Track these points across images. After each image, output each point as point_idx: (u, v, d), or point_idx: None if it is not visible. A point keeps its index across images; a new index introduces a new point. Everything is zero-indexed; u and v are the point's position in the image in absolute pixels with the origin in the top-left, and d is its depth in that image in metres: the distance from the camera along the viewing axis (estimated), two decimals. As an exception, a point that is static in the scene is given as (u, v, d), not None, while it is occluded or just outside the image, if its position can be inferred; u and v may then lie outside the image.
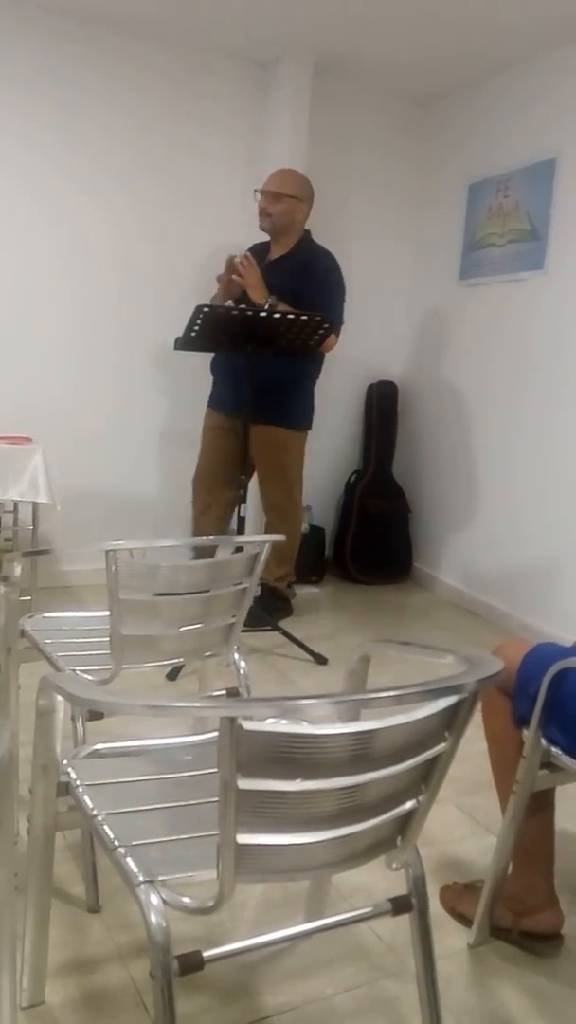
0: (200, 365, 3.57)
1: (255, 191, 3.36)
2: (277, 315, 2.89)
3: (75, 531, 3.76)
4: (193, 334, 2.93)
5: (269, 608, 3.43)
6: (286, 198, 3.31)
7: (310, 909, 1.68)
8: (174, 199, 3.80)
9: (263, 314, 2.90)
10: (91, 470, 3.86)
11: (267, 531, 3.52)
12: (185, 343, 3.01)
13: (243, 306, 3.04)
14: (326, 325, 2.94)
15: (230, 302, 3.18)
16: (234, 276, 3.21)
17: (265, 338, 2.97)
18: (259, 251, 3.38)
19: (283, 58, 3.74)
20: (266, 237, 3.44)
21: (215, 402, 3.52)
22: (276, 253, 3.39)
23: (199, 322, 2.86)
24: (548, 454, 3.51)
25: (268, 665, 3.10)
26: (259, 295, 3.19)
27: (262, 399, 3.15)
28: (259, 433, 3.28)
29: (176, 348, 3.10)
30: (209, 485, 3.51)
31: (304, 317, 2.92)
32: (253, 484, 3.46)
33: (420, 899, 1.26)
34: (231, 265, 3.23)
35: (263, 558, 1.85)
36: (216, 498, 3.51)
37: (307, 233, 3.43)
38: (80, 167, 3.63)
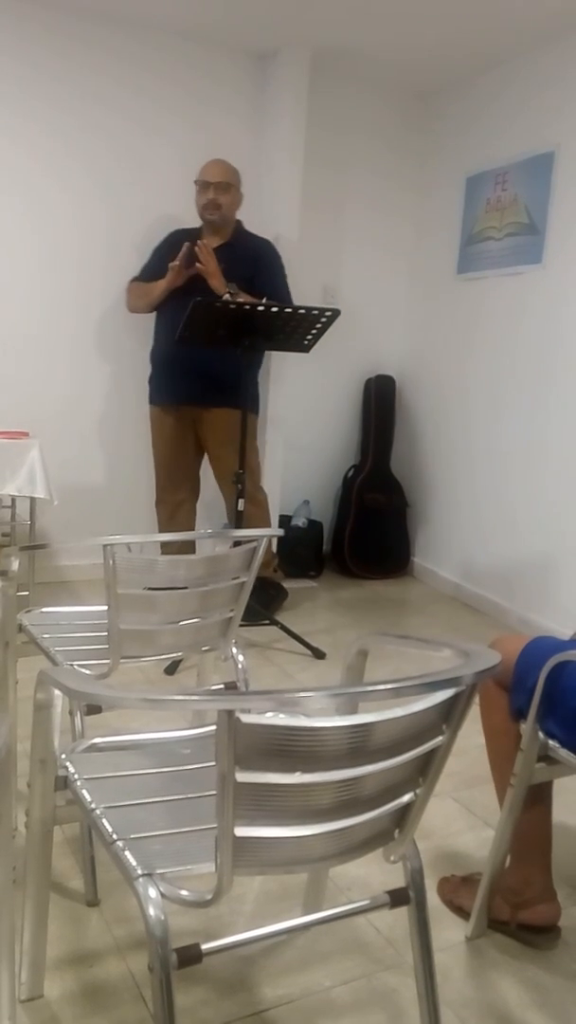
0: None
1: (198, 182, 3.34)
2: (275, 309, 2.89)
3: (73, 526, 3.76)
4: (190, 329, 2.93)
5: (264, 600, 3.42)
6: (233, 188, 3.34)
7: (308, 902, 1.68)
8: (171, 197, 3.78)
9: (260, 308, 2.89)
10: (88, 465, 3.86)
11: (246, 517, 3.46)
12: (182, 337, 3.00)
13: (241, 300, 3.03)
14: (328, 314, 2.93)
15: (227, 296, 3.16)
16: (198, 264, 3.20)
17: (264, 332, 2.97)
18: (194, 238, 3.34)
19: (281, 50, 3.73)
20: (191, 223, 3.45)
21: (165, 397, 3.47)
22: (215, 242, 3.36)
23: (195, 317, 2.86)
24: (546, 448, 3.51)
25: (266, 659, 3.11)
26: (219, 283, 3.20)
27: (222, 387, 3.18)
28: (221, 419, 3.29)
29: (175, 343, 3.10)
30: (178, 483, 3.50)
31: (302, 311, 2.91)
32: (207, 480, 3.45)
33: (418, 892, 1.27)
34: (190, 252, 3.22)
35: (261, 552, 1.85)
36: (187, 495, 3.53)
37: (239, 221, 3.46)
38: (71, 168, 3.61)
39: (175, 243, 3.36)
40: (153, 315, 3.52)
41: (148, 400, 3.56)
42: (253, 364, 3.45)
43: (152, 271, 3.45)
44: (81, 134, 3.61)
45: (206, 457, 3.55)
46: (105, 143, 3.66)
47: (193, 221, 3.46)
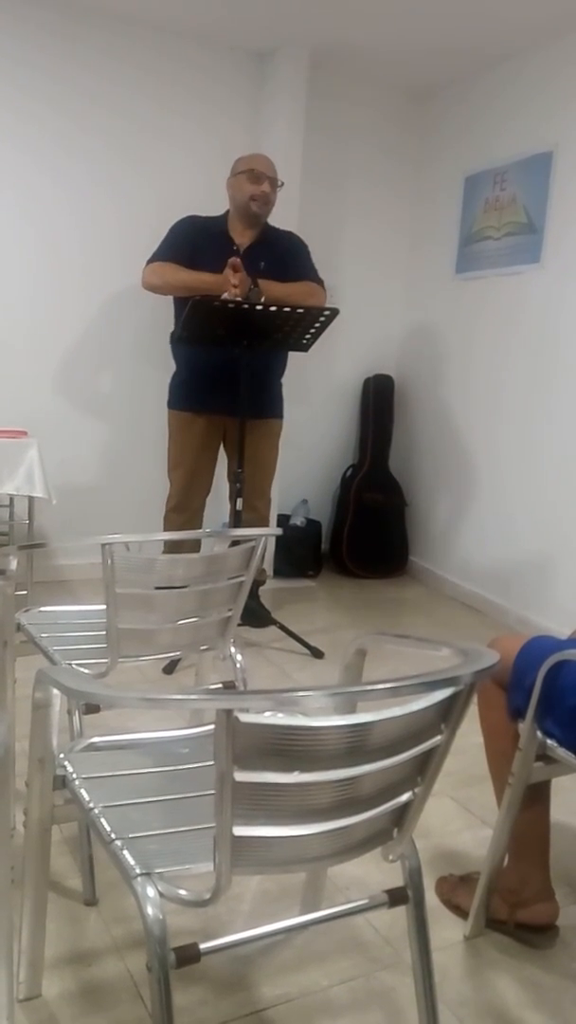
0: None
1: (249, 171, 3.18)
2: (273, 308, 2.88)
3: (71, 525, 3.76)
4: (188, 329, 2.92)
5: (244, 616, 3.37)
6: (278, 186, 3.27)
7: (306, 901, 1.68)
8: (168, 195, 3.78)
9: (259, 307, 2.88)
10: (87, 464, 3.86)
11: (249, 520, 3.42)
12: (180, 337, 3.00)
13: (238, 299, 3.02)
14: (326, 313, 2.92)
15: (226, 295, 3.15)
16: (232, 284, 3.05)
17: (262, 332, 2.96)
18: (216, 229, 3.23)
19: (279, 49, 3.73)
20: (200, 212, 3.31)
21: (201, 405, 3.31)
22: (249, 239, 3.25)
23: (194, 316, 2.85)
24: (544, 448, 3.51)
25: (264, 659, 3.11)
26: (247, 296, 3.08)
27: (262, 392, 3.15)
28: (260, 427, 3.28)
29: (172, 342, 3.09)
30: (200, 492, 3.43)
31: (301, 310, 2.90)
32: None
33: (416, 891, 1.27)
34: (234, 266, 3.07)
35: (260, 552, 1.85)
36: (203, 502, 3.47)
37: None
38: (70, 165, 3.61)
39: (197, 233, 3.23)
40: (161, 313, 3.47)
41: (170, 405, 3.38)
42: (282, 370, 3.42)
43: (176, 253, 3.19)
44: (79, 132, 3.60)
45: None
46: (104, 141, 3.65)
47: (192, 211, 3.39)
